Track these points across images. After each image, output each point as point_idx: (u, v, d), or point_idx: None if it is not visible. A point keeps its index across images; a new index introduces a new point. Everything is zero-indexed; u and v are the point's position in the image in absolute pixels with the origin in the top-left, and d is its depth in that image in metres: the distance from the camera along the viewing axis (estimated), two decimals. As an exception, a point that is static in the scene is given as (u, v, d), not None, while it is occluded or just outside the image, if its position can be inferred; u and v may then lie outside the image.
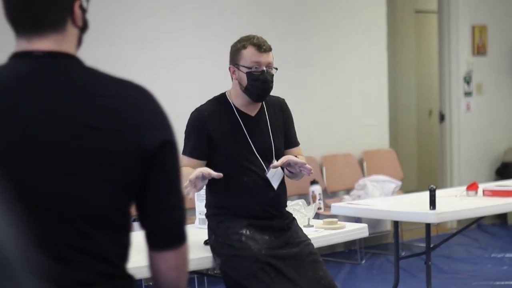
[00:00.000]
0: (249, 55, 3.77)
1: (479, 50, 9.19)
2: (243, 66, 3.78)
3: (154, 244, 1.92)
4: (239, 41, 3.83)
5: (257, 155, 3.81)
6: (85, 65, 1.84)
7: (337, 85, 8.02)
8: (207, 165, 3.71)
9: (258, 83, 3.77)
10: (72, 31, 1.85)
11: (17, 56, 1.83)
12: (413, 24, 10.86)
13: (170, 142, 1.86)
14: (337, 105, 8.04)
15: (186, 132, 3.81)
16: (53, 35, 1.82)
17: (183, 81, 6.88)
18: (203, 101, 3.91)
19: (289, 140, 3.98)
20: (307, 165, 3.75)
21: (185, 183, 3.56)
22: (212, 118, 3.77)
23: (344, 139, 8.05)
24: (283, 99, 4.02)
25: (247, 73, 3.77)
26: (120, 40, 6.58)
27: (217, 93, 3.95)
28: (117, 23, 6.57)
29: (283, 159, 3.74)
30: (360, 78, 8.20)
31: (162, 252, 1.92)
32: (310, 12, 7.78)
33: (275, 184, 3.85)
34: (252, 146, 3.80)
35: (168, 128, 1.87)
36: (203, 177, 3.54)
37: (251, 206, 3.79)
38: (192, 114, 3.82)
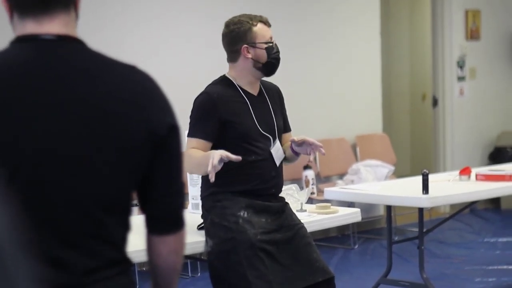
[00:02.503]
0: (263, 31, 3.85)
1: (473, 34, 9.18)
2: (261, 43, 3.83)
3: (156, 228, 1.93)
4: (242, 22, 3.83)
5: (263, 133, 3.84)
6: (91, 49, 1.83)
7: (330, 69, 8.01)
8: (215, 145, 3.72)
9: (277, 55, 3.88)
10: (73, 15, 1.83)
11: (23, 40, 1.78)
12: (407, 8, 10.84)
13: (176, 126, 1.87)
14: (330, 89, 8.02)
15: (195, 114, 3.79)
16: (62, 15, 1.78)
17: (177, 64, 6.86)
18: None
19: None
20: (322, 149, 3.82)
21: (197, 165, 3.63)
22: (222, 100, 3.78)
23: (337, 124, 8.04)
24: (278, 86, 4.08)
25: (267, 49, 3.84)
26: (113, 24, 6.55)
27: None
28: (109, 7, 6.54)
29: (300, 137, 3.81)
30: (353, 63, 8.19)
31: (163, 236, 1.93)
32: (303, -4, 7.76)
33: (277, 161, 3.88)
34: (258, 125, 3.82)
35: (173, 113, 1.88)
36: (221, 160, 3.54)
37: (252, 181, 3.79)
38: (201, 97, 3.80)
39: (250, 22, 3.83)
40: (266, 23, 3.88)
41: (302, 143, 3.83)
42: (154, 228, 1.93)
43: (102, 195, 1.77)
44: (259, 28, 3.84)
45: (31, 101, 1.73)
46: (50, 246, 1.74)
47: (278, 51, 3.89)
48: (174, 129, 1.85)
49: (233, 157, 3.56)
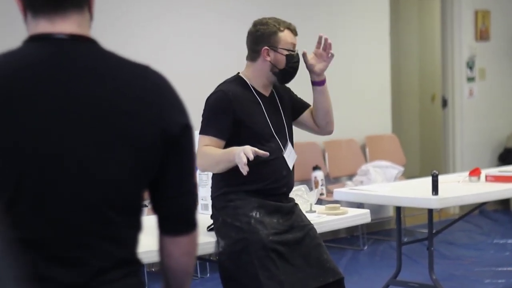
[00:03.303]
0: (287, 38, 3.87)
1: (482, 35, 9.16)
2: (282, 49, 3.85)
3: (168, 229, 1.92)
4: (269, 24, 3.85)
5: (275, 135, 3.84)
6: (105, 48, 1.83)
7: (339, 70, 7.97)
8: (225, 144, 3.72)
9: (296, 65, 3.90)
10: (87, 15, 1.83)
11: (36, 39, 1.78)
12: (416, 9, 10.83)
13: (189, 126, 1.86)
14: (340, 90, 8.00)
15: (209, 112, 3.78)
16: (75, 15, 1.78)
17: (181, 63, 6.86)
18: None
19: (300, 106, 4.08)
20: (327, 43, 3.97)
21: (216, 163, 3.66)
22: (236, 98, 3.78)
23: (347, 125, 8.02)
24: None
25: (287, 56, 3.85)
26: (113, 26, 6.56)
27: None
28: (112, 8, 6.54)
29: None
30: (362, 63, 8.18)
31: (175, 237, 1.92)
32: (312, -3, 7.76)
33: (290, 164, 3.88)
34: (271, 126, 3.83)
35: (186, 113, 1.87)
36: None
37: (264, 180, 3.79)
38: (216, 94, 3.80)
39: (277, 26, 3.85)
40: (293, 31, 3.91)
41: (317, 59, 3.96)
42: (165, 229, 1.92)
43: (112, 195, 1.77)
44: (284, 34, 3.86)
45: (41, 102, 1.73)
46: (60, 246, 1.74)
47: (298, 61, 3.90)
48: (187, 128, 1.85)
49: (261, 152, 3.56)
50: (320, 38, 3.98)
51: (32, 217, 1.72)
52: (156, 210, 1.91)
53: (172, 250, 1.93)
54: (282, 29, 3.85)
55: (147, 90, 1.81)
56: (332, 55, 3.98)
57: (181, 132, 1.83)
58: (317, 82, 4.00)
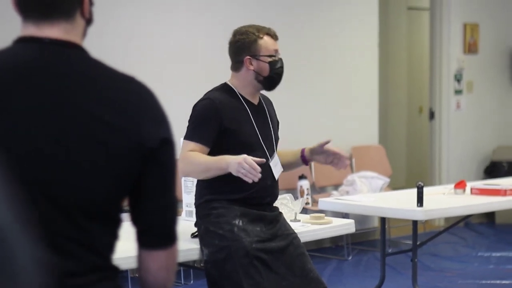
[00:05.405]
0: (268, 44, 3.84)
1: (471, 48, 9.19)
2: (264, 56, 3.82)
3: (146, 242, 1.90)
4: (248, 33, 3.83)
5: (262, 143, 3.84)
6: (91, 56, 1.83)
7: (327, 80, 8.01)
8: (211, 152, 3.71)
9: (281, 70, 3.88)
10: (80, 22, 1.84)
11: (24, 41, 1.81)
12: (405, 21, 10.86)
13: (169, 140, 1.85)
14: (327, 100, 8.02)
15: (195, 118, 3.77)
16: (63, 23, 1.80)
17: (166, 67, 6.86)
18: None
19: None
20: (347, 161, 3.93)
21: (205, 169, 3.66)
22: (224, 106, 3.77)
23: (333, 135, 7.98)
24: (268, 98, 4.08)
25: (270, 62, 3.83)
26: (108, 29, 6.55)
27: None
28: (105, 12, 6.54)
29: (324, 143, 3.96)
30: (350, 74, 8.19)
31: (153, 251, 1.90)
32: (300, 5, 7.76)
33: (276, 174, 3.87)
34: (259, 134, 3.82)
35: (168, 126, 1.86)
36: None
37: (249, 189, 3.77)
38: (203, 102, 3.79)
39: (257, 34, 3.82)
40: (273, 36, 3.87)
41: (323, 151, 3.92)
42: (143, 243, 1.90)
43: (84, 202, 1.76)
44: (264, 40, 3.83)
45: (21, 102, 1.74)
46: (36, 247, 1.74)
47: (281, 66, 3.88)
48: (166, 142, 1.83)
49: (258, 160, 3.57)
50: (342, 157, 3.99)
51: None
52: (134, 222, 1.89)
53: (149, 265, 1.90)
54: (261, 36, 3.83)
55: (129, 102, 1.81)
56: (344, 167, 4.00)
57: (159, 146, 1.82)
58: (305, 159, 4.00)
